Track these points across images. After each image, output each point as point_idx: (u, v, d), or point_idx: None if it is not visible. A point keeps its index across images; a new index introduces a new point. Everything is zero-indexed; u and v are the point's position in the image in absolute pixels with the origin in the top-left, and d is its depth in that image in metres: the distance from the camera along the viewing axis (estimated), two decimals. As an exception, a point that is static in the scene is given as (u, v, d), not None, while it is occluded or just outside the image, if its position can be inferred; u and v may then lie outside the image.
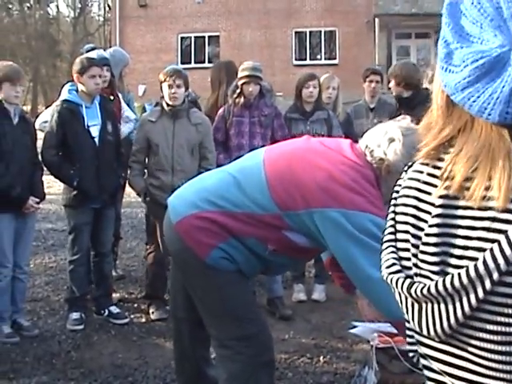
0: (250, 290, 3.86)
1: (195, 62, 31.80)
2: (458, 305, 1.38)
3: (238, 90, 6.64)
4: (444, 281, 1.38)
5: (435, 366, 1.50)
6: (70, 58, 50.97)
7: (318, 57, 32.40)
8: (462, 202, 1.40)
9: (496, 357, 1.37)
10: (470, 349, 1.41)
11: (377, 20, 30.15)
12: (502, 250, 1.31)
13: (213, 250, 3.41)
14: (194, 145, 6.30)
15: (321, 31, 32.14)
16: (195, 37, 32.67)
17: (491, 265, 1.32)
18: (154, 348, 5.67)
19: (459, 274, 1.36)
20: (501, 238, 1.32)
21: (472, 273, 1.34)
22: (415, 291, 1.43)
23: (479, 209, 1.37)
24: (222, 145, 6.73)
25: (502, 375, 1.37)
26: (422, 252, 1.45)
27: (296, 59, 31.92)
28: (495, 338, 1.36)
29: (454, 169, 1.41)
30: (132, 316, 6.44)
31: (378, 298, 3.21)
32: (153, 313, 6.36)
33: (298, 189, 3.31)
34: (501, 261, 1.31)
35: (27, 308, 6.43)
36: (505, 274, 1.32)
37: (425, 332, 1.46)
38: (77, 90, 6.20)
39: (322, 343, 5.80)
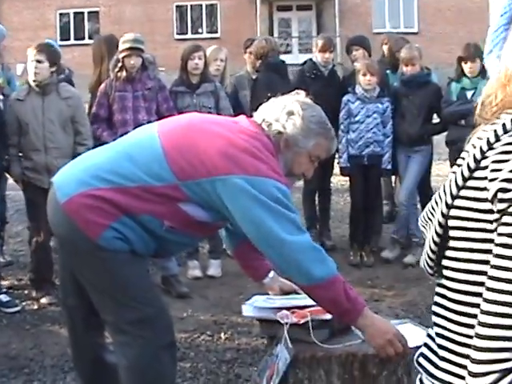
0: (146, 270, 3.70)
1: (75, 39, 31.15)
2: (431, 231, 1.61)
3: (120, 64, 6.40)
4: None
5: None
6: None
7: (200, 30, 32.21)
8: None
9: (457, 285, 1.56)
10: (443, 281, 1.62)
11: (258, -8, 30.20)
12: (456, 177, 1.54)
13: (105, 229, 3.23)
14: (65, 120, 6.06)
15: (202, 5, 31.96)
16: (74, 13, 32.02)
17: (447, 189, 1.56)
18: (48, 335, 5.45)
19: (434, 197, 1.62)
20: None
21: (437, 195, 1.60)
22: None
23: None
24: (105, 121, 6.50)
25: (461, 307, 1.55)
26: None
27: (177, 33, 31.66)
28: (457, 265, 1.55)
29: None
30: (23, 303, 6.16)
31: (291, 263, 3.11)
32: (43, 297, 6.12)
33: (198, 156, 3.17)
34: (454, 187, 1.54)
35: None
36: (456, 197, 1.53)
37: (421, 265, 1.69)
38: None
39: (221, 319, 5.73)
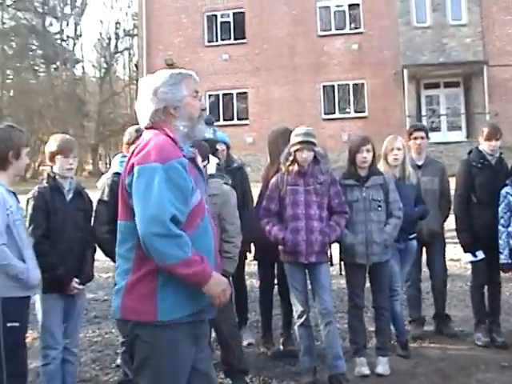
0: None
1: (224, 120, 31.78)
2: None
3: (291, 157, 6.34)
4: None
5: None
6: (97, 118, 51.61)
7: (347, 110, 32.16)
8: None
9: None
10: None
11: (405, 71, 30.13)
12: None
13: (156, 301, 3.32)
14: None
15: (349, 84, 32.00)
16: (223, 94, 32.78)
17: None
18: None
19: None
20: None
21: None
22: None
23: None
24: (276, 215, 6.43)
25: None
26: None
27: (325, 113, 31.69)
28: None
29: None
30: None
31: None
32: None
33: None
34: None
35: (78, 391, 6.12)
36: None
37: None
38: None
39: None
